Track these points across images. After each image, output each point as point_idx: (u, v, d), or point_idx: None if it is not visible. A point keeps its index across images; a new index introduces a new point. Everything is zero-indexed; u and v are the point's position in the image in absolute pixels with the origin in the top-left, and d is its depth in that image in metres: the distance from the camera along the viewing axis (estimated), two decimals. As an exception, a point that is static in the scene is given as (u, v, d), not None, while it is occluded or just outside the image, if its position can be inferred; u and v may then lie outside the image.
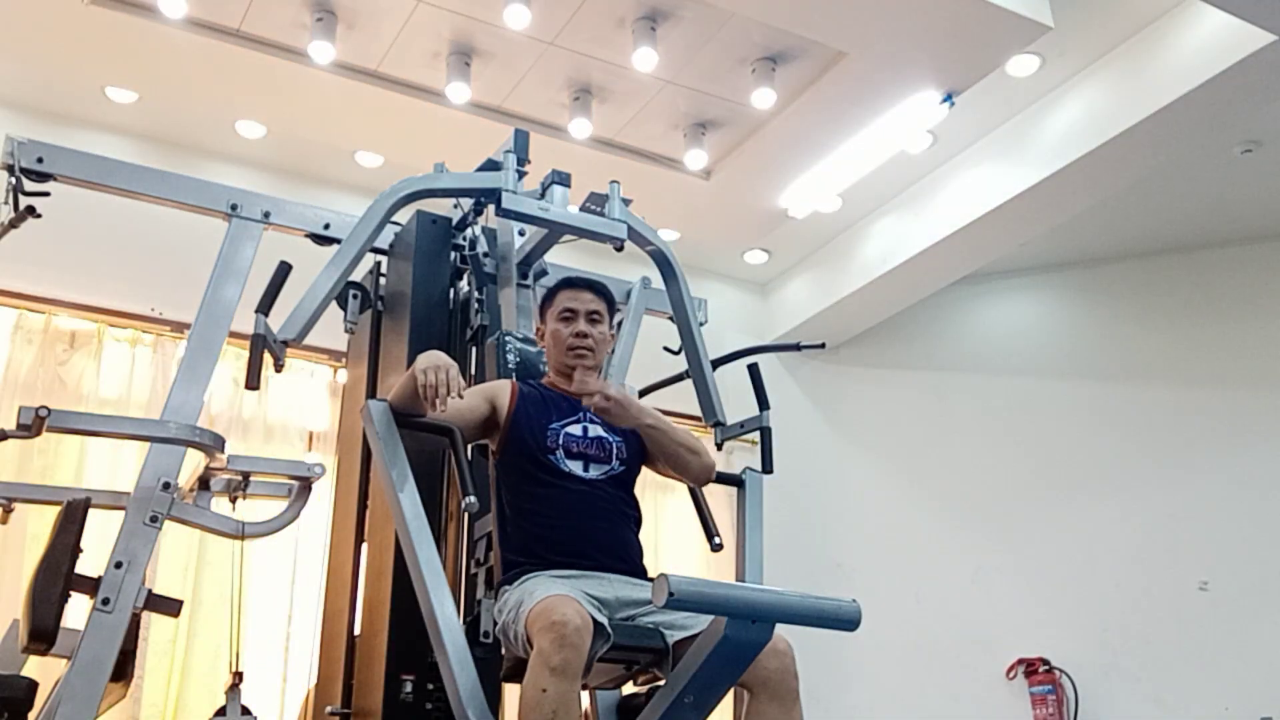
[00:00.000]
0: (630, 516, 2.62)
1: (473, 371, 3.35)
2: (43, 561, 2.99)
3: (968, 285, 6.60)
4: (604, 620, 2.19)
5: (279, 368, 3.14)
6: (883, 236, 6.20)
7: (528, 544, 2.50)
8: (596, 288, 2.77)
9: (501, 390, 2.67)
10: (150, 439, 3.19)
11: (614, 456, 2.61)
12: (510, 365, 3.00)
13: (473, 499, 2.75)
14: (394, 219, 3.36)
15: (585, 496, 2.54)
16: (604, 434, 2.62)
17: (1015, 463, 6.51)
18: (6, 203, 3.22)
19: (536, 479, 2.55)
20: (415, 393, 2.42)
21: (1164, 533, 6.03)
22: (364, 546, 3.26)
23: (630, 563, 2.53)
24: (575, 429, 2.62)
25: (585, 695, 2.86)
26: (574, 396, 2.60)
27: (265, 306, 3.04)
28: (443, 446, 3.15)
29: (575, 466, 2.56)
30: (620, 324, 2.96)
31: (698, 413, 3.27)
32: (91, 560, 3.04)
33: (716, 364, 3.40)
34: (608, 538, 2.52)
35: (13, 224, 3.24)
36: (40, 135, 3.40)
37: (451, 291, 3.46)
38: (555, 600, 2.14)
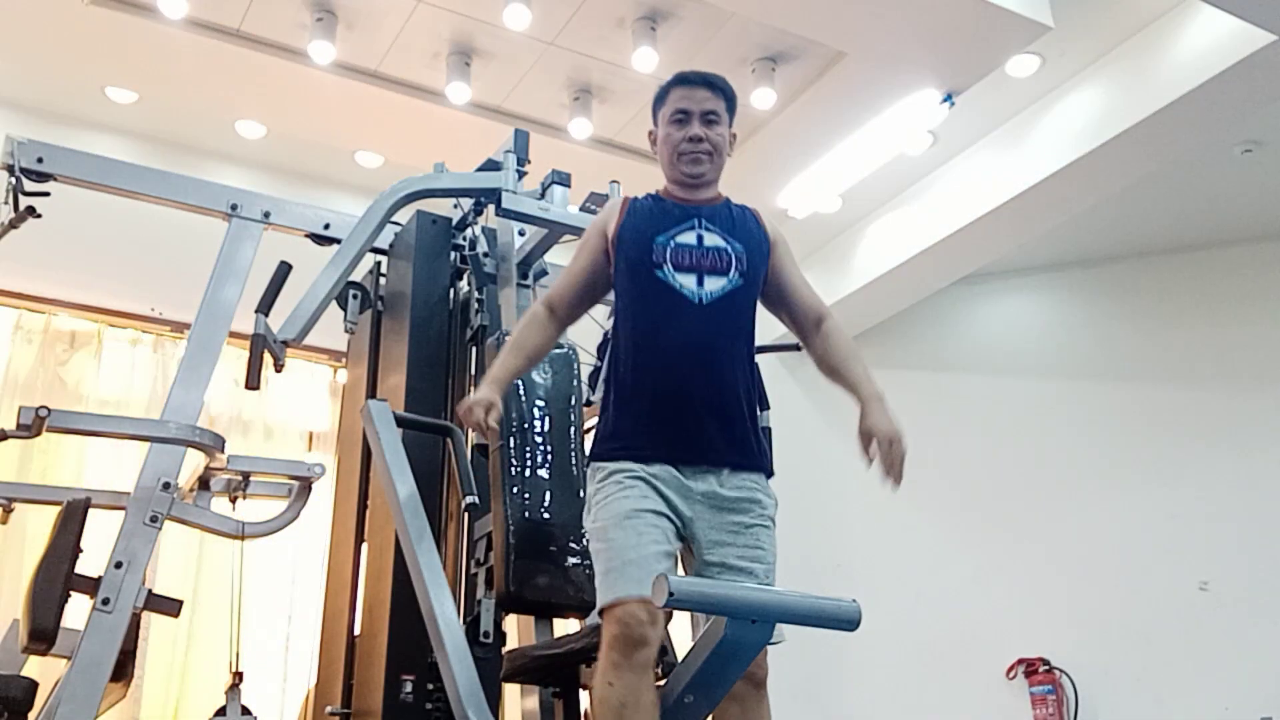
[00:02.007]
0: (746, 343, 2.33)
1: (472, 372, 3.35)
2: (43, 561, 2.99)
3: (968, 285, 6.59)
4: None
5: (279, 368, 3.14)
6: (883, 236, 6.20)
7: (626, 404, 2.25)
8: (714, 83, 2.42)
9: (610, 212, 2.42)
10: (150, 439, 3.19)
11: (733, 268, 2.30)
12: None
13: (473, 499, 2.76)
14: (394, 219, 3.37)
15: (697, 326, 2.24)
16: (722, 242, 2.32)
17: (1015, 463, 6.50)
18: (6, 203, 3.22)
19: (643, 301, 2.28)
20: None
21: (1164, 533, 6.03)
22: (364, 546, 3.26)
23: (739, 429, 2.24)
24: (689, 238, 2.32)
25: (585, 695, 2.86)
26: (689, 204, 2.37)
27: (265, 306, 3.04)
28: (442, 446, 3.16)
29: (686, 281, 2.26)
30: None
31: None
32: (91, 560, 3.04)
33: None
34: (717, 399, 2.22)
35: (13, 224, 3.24)
36: (40, 135, 3.40)
37: (451, 291, 3.46)
38: (624, 587, 2.01)
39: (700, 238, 2.32)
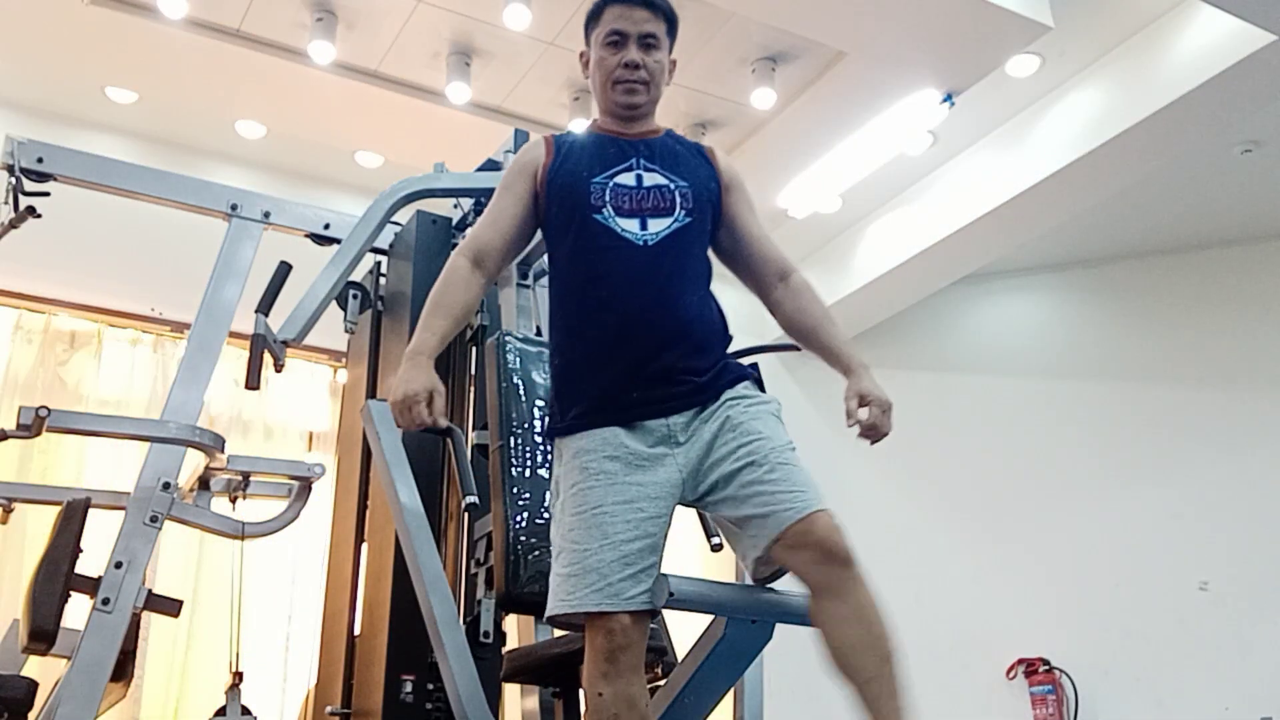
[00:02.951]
0: (700, 283, 2.11)
1: (473, 372, 3.35)
2: (43, 561, 2.99)
3: (968, 285, 6.59)
4: (657, 593, 1.89)
5: (279, 368, 3.14)
6: (883, 236, 6.20)
7: (577, 366, 2.04)
8: (652, 3, 2.20)
9: (533, 154, 2.19)
10: (150, 439, 3.19)
11: (677, 206, 2.08)
12: (510, 365, 3.00)
13: (473, 499, 2.75)
14: (394, 219, 3.37)
15: (644, 271, 2.02)
16: (664, 180, 2.10)
17: (1015, 462, 6.50)
18: (6, 203, 3.22)
19: (583, 249, 2.05)
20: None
21: (1164, 533, 6.03)
22: (364, 546, 3.26)
23: (705, 360, 2.03)
24: (627, 178, 2.09)
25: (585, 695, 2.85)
26: (624, 138, 2.15)
27: (265, 306, 3.04)
28: (442, 446, 3.16)
29: (629, 225, 2.04)
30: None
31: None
32: (91, 560, 3.04)
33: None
34: (675, 333, 2.01)
35: (13, 224, 3.24)
36: (40, 135, 3.40)
37: (451, 291, 3.45)
38: (601, 598, 1.86)
39: (639, 177, 2.10)
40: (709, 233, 2.15)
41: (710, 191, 2.16)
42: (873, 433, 2.04)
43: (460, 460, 2.90)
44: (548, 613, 1.93)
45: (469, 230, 2.14)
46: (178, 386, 3.23)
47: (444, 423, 2.02)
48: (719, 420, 1.97)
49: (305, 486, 3.58)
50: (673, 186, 2.10)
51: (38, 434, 3.00)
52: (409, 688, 2.84)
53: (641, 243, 2.03)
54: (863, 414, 2.03)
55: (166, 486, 3.10)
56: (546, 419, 2.27)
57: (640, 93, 2.16)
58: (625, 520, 1.90)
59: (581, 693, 2.73)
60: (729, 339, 2.14)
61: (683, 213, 2.08)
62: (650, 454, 1.96)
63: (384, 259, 3.60)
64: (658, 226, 2.05)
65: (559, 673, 2.51)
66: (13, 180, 3.22)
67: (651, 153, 2.13)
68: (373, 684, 2.92)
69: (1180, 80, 4.68)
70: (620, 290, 2.01)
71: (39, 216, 3.26)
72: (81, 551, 3.02)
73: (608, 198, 2.06)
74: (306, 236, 3.58)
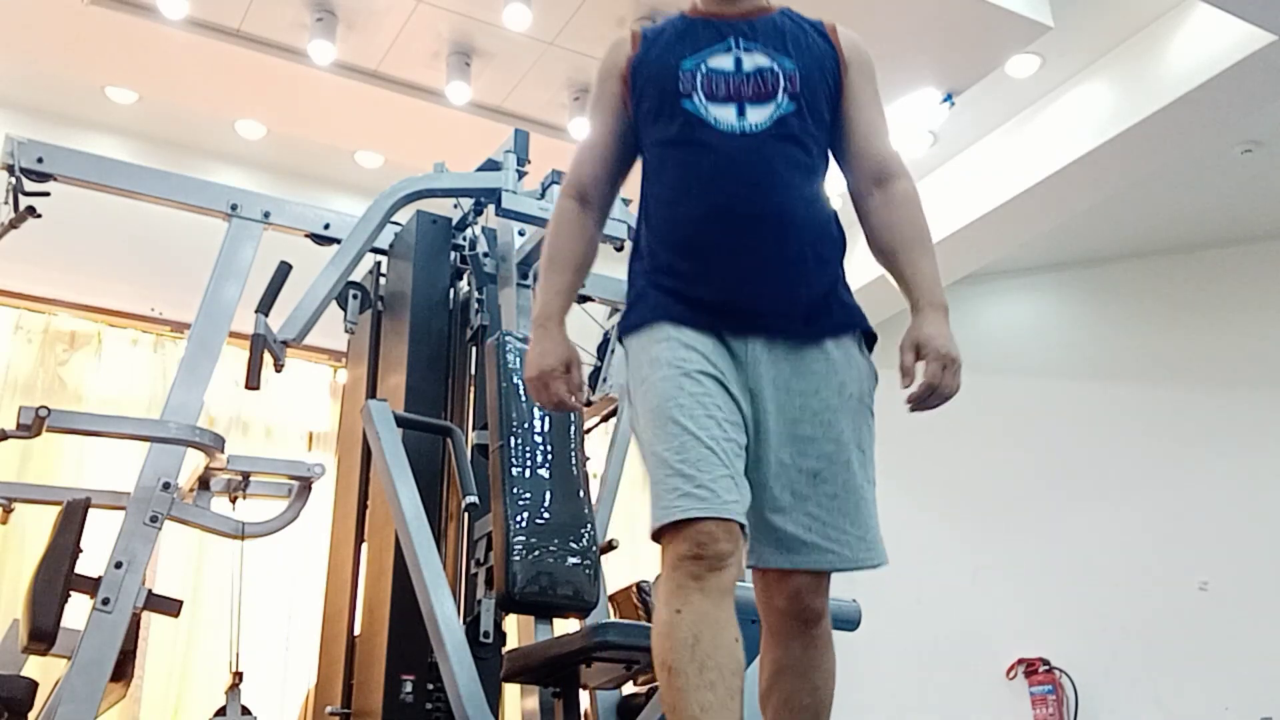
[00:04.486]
0: (809, 179, 1.78)
1: (472, 372, 3.35)
2: (43, 561, 2.99)
3: (968, 285, 6.59)
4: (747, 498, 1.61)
5: (279, 368, 3.14)
6: (883, 236, 6.20)
7: (653, 264, 1.77)
8: None
9: (617, 53, 1.90)
10: (150, 439, 3.19)
11: (780, 90, 1.77)
12: (510, 365, 3.00)
13: (473, 499, 2.75)
14: (394, 219, 3.37)
15: (738, 162, 1.73)
16: (766, 62, 1.79)
17: (1015, 463, 6.50)
18: (6, 203, 3.22)
19: (670, 141, 1.79)
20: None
21: (1164, 533, 6.03)
22: (364, 546, 3.26)
23: (807, 274, 1.73)
24: (723, 61, 1.80)
25: (585, 695, 2.86)
26: (723, 18, 1.84)
27: (265, 306, 3.04)
28: (442, 446, 3.16)
29: (723, 113, 1.75)
30: None
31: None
32: (91, 560, 3.04)
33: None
34: (773, 232, 1.71)
35: (13, 224, 3.24)
36: (40, 135, 3.40)
37: (451, 291, 3.46)
38: (688, 504, 1.56)
39: (738, 60, 1.79)
40: (825, 122, 1.83)
41: (826, 73, 1.84)
42: (931, 396, 1.69)
43: (460, 460, 2.91)
44: (652, 528, 1.60)
45: (569, 166, 1.91)
46: (178, 386, 3.23)
47: (585, 398, 1.86)
48: (800, 390, 1.69)
49: (305, 486, 3.58)
50: (776, 68, 1.79)
51: (38, 434, 3.00)
52: (409, 688, 2.84)
53: (739, 131, 1.74)
54: (919, 370, 1.68)
55: (166, 486, 3.10)
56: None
57: None
58: (707, 415, 1.61)
59: (587, 692, 2.75)
60: (842, 254, 1.82)
61: (786, 98, 1.77)
62: (726, 364, 1.67)
63: (384, 259, 3.60)
64: (758, 116, 1.76)
65: (559, 673, 2.51)
66: (13, 180, 3.22)
67: (754, 32, 1.82)
68: (373, 684, 2.92)
69: (1180, 80, 4.68)
70: (709, 182, 1.73)
71: (39, 216, 3.26)
72: (81, 551, 3.02)
73: (699, 83, 1.78)
74: (306, 236, 3.58)
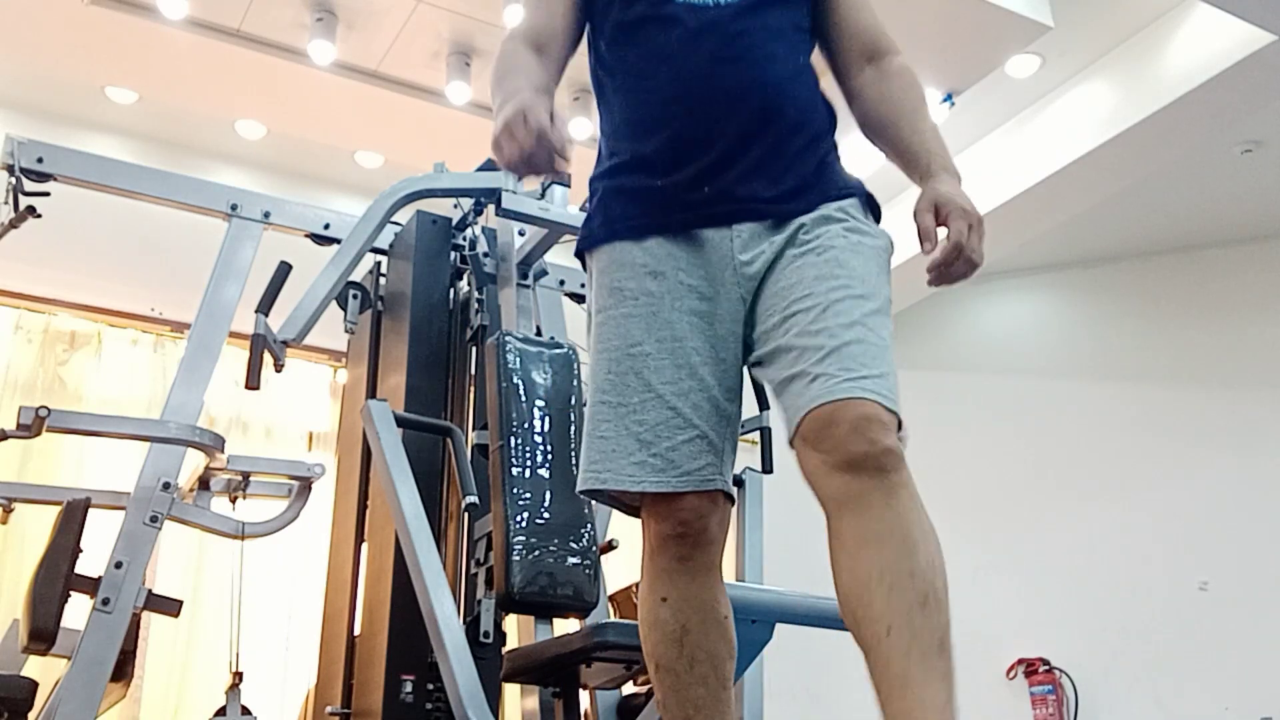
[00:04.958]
0: (793, 50, 1.56)
1: (472, 371, 3.35)
2: (43, 561, 2.99)
3: (968, 285, 6.56)
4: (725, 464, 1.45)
5: (279, 368, 3.14)
6: (883, 236, 6.20)
7: (616, 161, 1.55)
8: None
9: None
10: (150, 439, 3.19)
11: None
12: (510, 365, 3.00)
13: (473, 499, 2.75)
14: (394, 219, 3.37)
15: (709, 32, 1.50)
16: None
17: (1015, 463, 6.50)
18: (6, 203, 3.22)
19: (633, 22, 1.55)
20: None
21: (1164, 533, 6.03)
22: (364, 546, 3.26)
23: (794, 152, 1.50)
24: None
25: (585, 695, 2.86)
26: None
27: (265, 306, 3.04)
28: (442, 446, 3.16)
29: None
30: None
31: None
32: (91, 560, 3.04)
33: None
34: (754, 107, 1.48)
35: (13, 224, 3.24)
36: (40, 135, 3.40)
37: (451, 291, 3.46)
38: (652, 474, 1.41)
39: None
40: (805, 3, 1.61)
41: None
42: (957, 261, 1.45)
43: (460, 460, 2.91)
44: (579, 486, 1.51)
45: (522, 14, 1.67)
46: (178, 386, 3.23)
47: (568, 139, 1.40)
48: (792, 234, 1.44)
49: (305, 486, 3.58)
50: None
51: (38, 434, 3.00)
52: (409, 688, 2.84)
53: (711, 3, 1.51)
54: (941, 231, 1.46)
55: (166, 486, 3.10)
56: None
57: None
58: (675, 365, 1.42)
59: (587, 692, 2.75)
60: (833, 128, 1.58)
61: None
62: (707, 276, 1.46)
63: (384, 259, 3.60)
64: None
65: (559, 673, 2.51)
66: (13, 180, 3.22)
67: None
68: (373, 684, 2.92)
69: (1180, 80, 4.68)
70: (679, 58, 1.50)
71: (39, 216, 3.26)
72: (81, 551, 3.02)
73: None
74: (306, 236, 3.58)
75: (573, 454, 2.86)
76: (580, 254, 1.59)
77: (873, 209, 1.56)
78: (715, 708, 1.41)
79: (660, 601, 1.42)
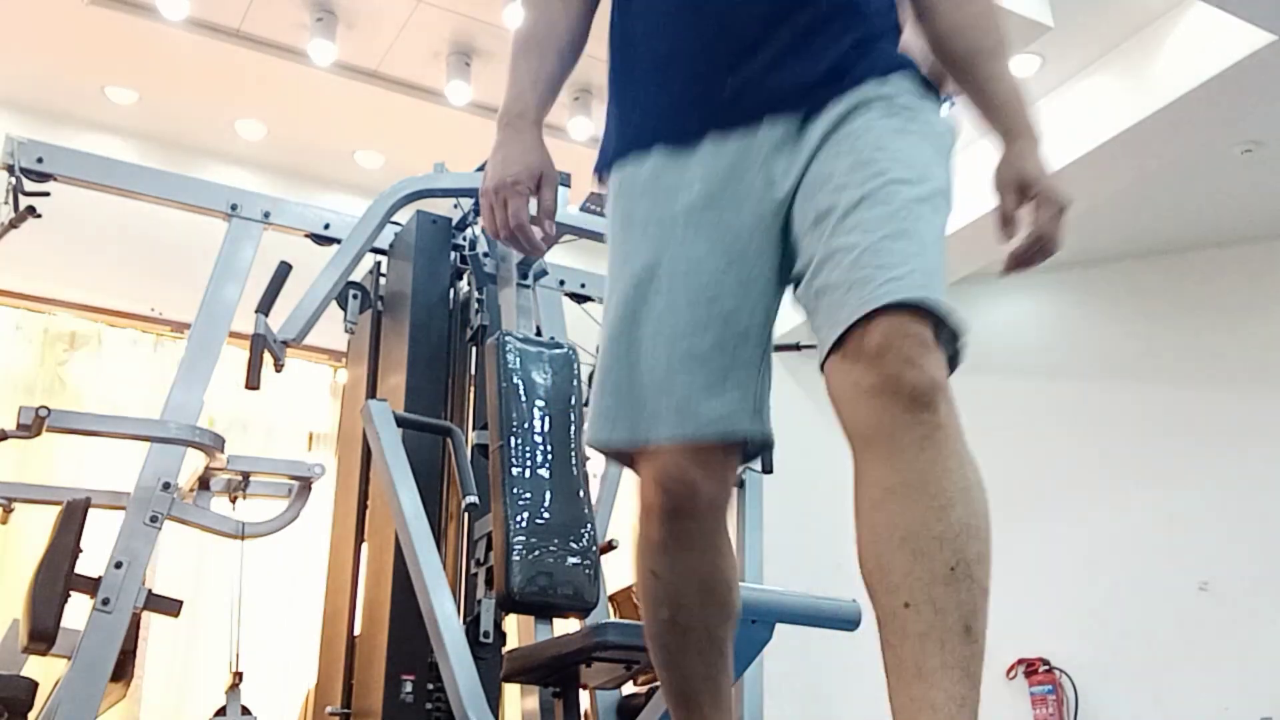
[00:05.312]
0: None
1: (472, 372, 3.35)
2: (43, 561, 2.99)
3: (968, 285, 6.59)
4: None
5: (279, 368, 3.15)
6: (883, 236, 6.20)
7: (626, 67, 1.40)
8: None
9: None
10: (150, 439, 3.19)
11: None
12: (510, 365, 3.00)
13: (473, 499, 2.75)
14: (394, 219, 3.37)
15: None
16: None
17: (1015, 462, 6.50)
18: (6, 203, 3.22)
19: None
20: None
21: (1164, 533, 6.03)
22: (364, 546, 3.26)
23: (833, 33, 1.29)
24: None
25: (585, 695, 2.86)
26: None
27: (265, 306, 3.04)
28: (442, 446, 3.16)
29: None
30: None
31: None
32: (91, 560, 3.04)
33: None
34: (777, 14, 1.28)
35: (13, 224, 3.24)
36: (40, 135, 3.40)
37: (451, 291, 3.46)
38: (638, 424, 1.26)
39: None
40: None
41: None
42: (1040, 249, 1.34)
43: (460, 460, 2.91)
44: (585, 438, 1.35)
45: None
46: (178, 386, 3.23)
47: (554, 231, 1.36)
48: (831, 121, 1.24)
49: (305, 486, 3.58)
50: None
51: (38, 434, 3.00)
52: (409, 688, 2.84)
53: None
54: (1025, 215, 1.34)
55: (166, 486, 3.10)
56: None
57: None
58: (689, 300, 1.25)
59: (587, 691, 2.75)
60: (891, 8, 1.38)
61: None
62: (727, 188, 1.27)
63: (384, 259, 3.60)
64: None
65: (559, 673, 2.51)
66: (13, 180, 3.22)
67: None
68: (373, 684, 2.92)
69: (1180, 80, 4.68)
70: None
71: (39, 216, 3.25)
72: (81, 551, 3.02)
73: None
74: (306, 236, 3.58)
75: (573, 454, 2.86)
76: (599, 174, 1.42)
77: (926, 83, 1.36)
78: (709, 682, 1.34)
79: (650, 575, 1.33)
